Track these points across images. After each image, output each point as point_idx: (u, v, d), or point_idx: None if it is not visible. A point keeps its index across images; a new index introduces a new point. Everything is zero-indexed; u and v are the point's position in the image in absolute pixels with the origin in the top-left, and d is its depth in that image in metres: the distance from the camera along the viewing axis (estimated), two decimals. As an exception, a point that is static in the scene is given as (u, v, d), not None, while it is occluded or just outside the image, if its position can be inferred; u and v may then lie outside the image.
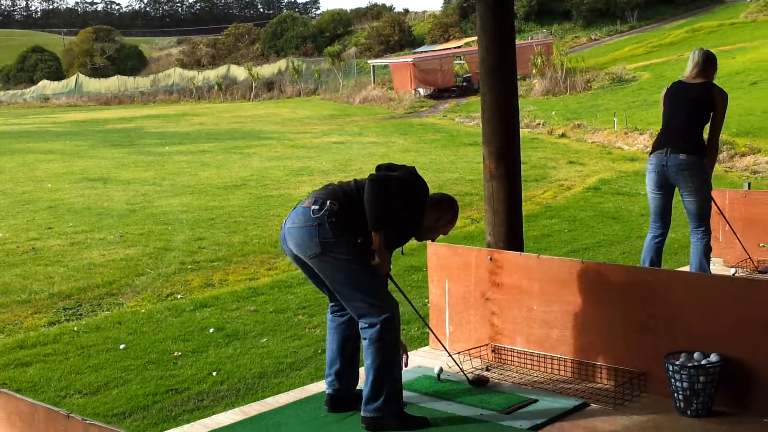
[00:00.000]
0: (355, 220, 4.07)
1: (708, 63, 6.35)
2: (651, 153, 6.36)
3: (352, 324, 4.32)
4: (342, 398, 4.40)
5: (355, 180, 4.25)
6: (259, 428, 4.28)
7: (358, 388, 4.45)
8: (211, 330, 7.32)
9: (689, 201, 6.27)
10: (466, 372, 4.82)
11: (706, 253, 6.32)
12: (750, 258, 7.00)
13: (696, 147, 6.20)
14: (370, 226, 4.07)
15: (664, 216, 6.41)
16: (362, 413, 4.12)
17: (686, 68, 6.38)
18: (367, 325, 4.09)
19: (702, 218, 6.30)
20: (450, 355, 4.95)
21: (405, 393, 4.73)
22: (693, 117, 6.24)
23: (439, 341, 5.03)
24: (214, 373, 6.28)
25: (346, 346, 4.42)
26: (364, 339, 4.12)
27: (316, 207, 4.06)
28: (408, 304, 4.71)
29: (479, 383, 4.75)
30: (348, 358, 4.44)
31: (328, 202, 4.07)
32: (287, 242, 4.17)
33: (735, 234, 6.98)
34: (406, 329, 7.07)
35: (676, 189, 6.30)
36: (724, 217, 7.02)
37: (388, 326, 4.09)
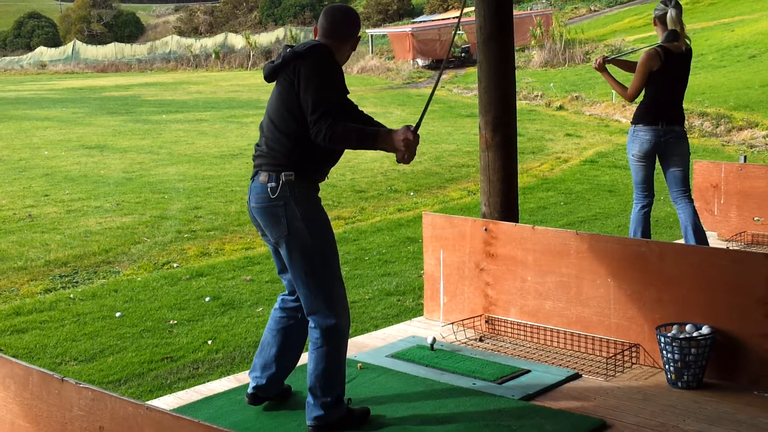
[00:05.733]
0: (314, 174, 3.84)
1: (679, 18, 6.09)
2: None
3: (304, 327, 4.08)
4: (267, 398, 4.21)
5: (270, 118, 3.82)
6: (253, 396, 4.31)
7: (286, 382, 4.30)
8: (207, 299, 7.34)
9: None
10: None
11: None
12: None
13: (634, 116, 6.27)
14: (363, 146, 3.77)
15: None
16: (307, 422, 3.90)
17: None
18: (315, 326, 3.86)
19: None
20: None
21: (400, 362, 4.77)
22: None
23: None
24: (210, 342, 6.31)
25: (287, 354, 4.15)
26: (311, 341, 3.89)
27: (273, 185, 3.76)
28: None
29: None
30: (285, 367, 4.19)
31: (282, 176, 3.75)
32: (257, 221, 3.94)
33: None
34: (401, 300, 7.10)
35: (670, 158, 6.22)
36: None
37: (336, 330, 3.86)
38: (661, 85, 6.10)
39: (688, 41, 6.15)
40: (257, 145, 3.96)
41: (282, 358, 4.14)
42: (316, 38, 3.97)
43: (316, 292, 3.84)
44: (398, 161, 3.81)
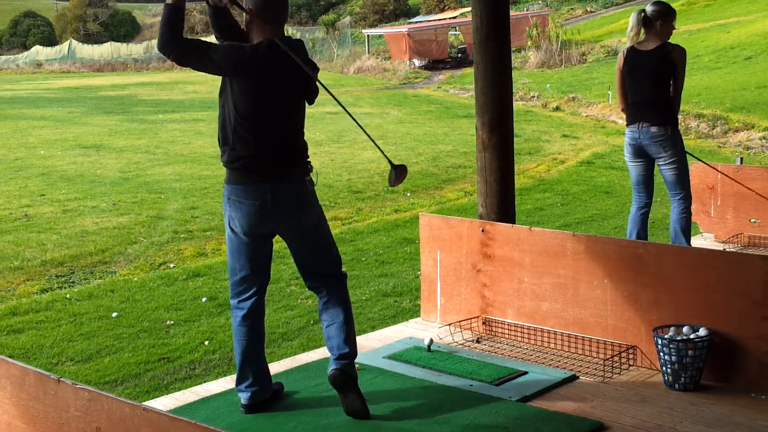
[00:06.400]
0: None
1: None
2: None
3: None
4: (264, 402, 4.18)
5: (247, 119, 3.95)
6: (250, 397, 4.31)
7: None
8: (204, 299, 7.34)
9: None
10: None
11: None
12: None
13: None
14: None
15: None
16: (337, 366, 4.02)
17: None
18: (340, 278, 4.17)
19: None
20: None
21: (397, 364, 4.78)
22: None
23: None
24: (206, 342, 6.30)
25: (262, 344, 4.20)
26: (333, 296, 4.10)
27: (309, 178, 4.06)
28: None
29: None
30: (267, 363, 4.28)
31: (312, 167, 4.10)
32: (281, 219, 3.97)
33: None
34: (398, 301, 7.10)
35: (657, 160, 6.22)
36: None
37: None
38: (631, 84, 6.13)
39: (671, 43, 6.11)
40: (273, 146, 3.96)
41: (264, 357, 4.23)
42: (256, 24, 4.33)
43: (334, 247, 4.21)
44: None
